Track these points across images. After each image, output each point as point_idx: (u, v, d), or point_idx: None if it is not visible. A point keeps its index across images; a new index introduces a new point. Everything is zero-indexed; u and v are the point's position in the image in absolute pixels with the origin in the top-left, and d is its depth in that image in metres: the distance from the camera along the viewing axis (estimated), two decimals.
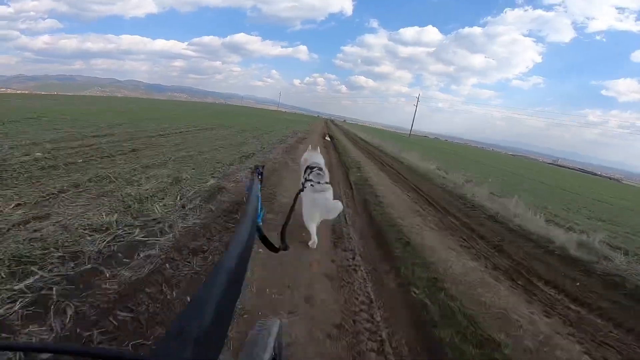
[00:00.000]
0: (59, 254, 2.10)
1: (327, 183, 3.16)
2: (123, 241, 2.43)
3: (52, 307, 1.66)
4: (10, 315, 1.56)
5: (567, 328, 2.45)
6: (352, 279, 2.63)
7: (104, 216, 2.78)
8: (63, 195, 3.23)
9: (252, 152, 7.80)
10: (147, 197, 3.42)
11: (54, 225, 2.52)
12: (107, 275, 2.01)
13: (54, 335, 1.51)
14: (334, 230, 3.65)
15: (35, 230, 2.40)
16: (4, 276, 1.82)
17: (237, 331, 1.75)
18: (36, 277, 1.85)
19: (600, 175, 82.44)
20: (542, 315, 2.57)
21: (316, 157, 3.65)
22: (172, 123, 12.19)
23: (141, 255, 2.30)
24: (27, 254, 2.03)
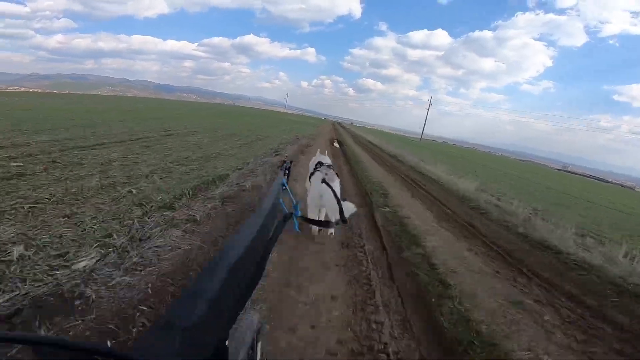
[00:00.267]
0: None
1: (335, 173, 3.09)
2: None
3: None
4: None
5: None
6: None
7: None
8: None
9: (220, 174, 5.16)
10: None
11: None
12: None
13: None
14: None
15: None
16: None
17: None
18: None
19: (611, 182, 78.71)
20: None
21: (324, 160, 3.59)
22: (150, 124, 9.95)
23: None
24: None
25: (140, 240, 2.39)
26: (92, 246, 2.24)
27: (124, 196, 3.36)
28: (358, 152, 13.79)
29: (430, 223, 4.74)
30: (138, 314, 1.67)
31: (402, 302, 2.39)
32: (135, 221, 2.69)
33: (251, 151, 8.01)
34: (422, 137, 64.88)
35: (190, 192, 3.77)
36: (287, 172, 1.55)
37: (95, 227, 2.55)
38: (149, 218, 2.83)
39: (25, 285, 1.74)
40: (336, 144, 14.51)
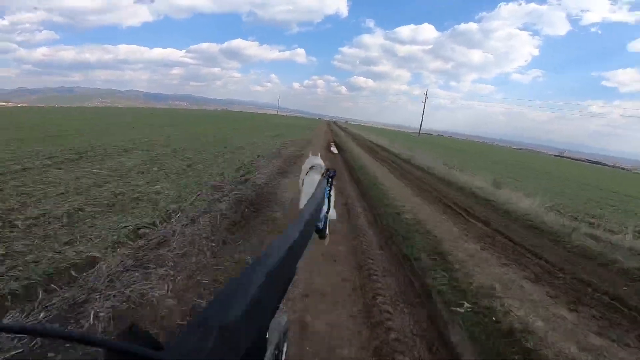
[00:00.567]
0: None
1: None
2: None
3: None
4: None
5: None
6: None
7: None
8: None
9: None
10: None
11: None
12: None
13: None
14: None
15: None
16: None
17: None
18: None
19: (609, 166, 77.34)
20: None
21: (317, 161, 3.51)
22: (62, 141, 7.18)
23: None
24: None
25: None
26: None
27: None
28: (363, 159, 10.95)
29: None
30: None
31: None
32: None
33: (201, 177, 5.08)
34: (415, 131, 62.77)
35: None
36: (330, 181, 1.52)
37: None
38: None
39: None
40: (334, 149, 11.84)
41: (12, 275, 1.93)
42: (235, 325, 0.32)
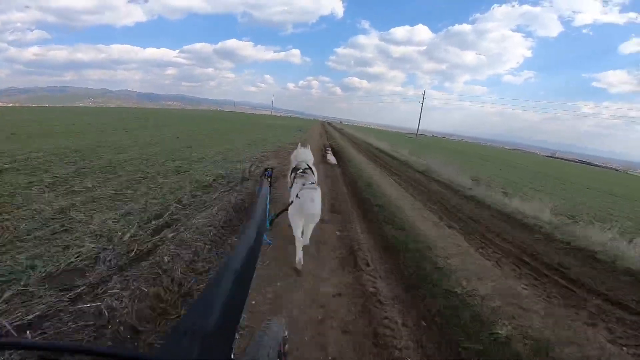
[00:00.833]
0: None
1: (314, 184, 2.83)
2: None
3: None
4: None
5: None
6: None
7: None
8: None
9: None
10: None
11: None
12: None
13: None
14: None
15: None
16: None
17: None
18: None
19: (601, 166, 77.02)
20: None
21: (305, 155, 3.32)
22: None
23: None
24: None
25: None
26: None
27: None
28: (367, 169, 8.63)
29: None
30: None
31: None
32: None
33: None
34: (413, 132, 61.07)
35: None
36: (269, 179, 1.61)
37: None
38: None
39: None
40: (331, 158, 9.35)
41: None
42: (216, 332, 0.33)
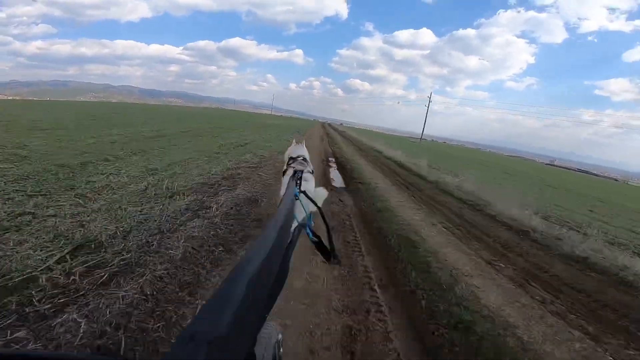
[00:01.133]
0: None
1: (310, 172, 2.72)
2: None
3: None
4: None
5: None
6: None
7: None
8: None
9: None
10: None
11: None
12: None
13: None
14: None
15: None
16: None
17: None
18: None
19: (599, 176, 76.49)
20: None
21: (300, 151, 3.13)
22: None
23: None
24: None
25: None
26: None
27: None
28: (416, 221, 4.60)
29: None
30: None
31: None
32: None
33: None
34: (413, 136, 60.22)
35: None
36: (299, 181, 1.46)
37: None
38: None
39: None
40: (335, 176, 8.11)
41: None
42: (224, 338, 0.32)
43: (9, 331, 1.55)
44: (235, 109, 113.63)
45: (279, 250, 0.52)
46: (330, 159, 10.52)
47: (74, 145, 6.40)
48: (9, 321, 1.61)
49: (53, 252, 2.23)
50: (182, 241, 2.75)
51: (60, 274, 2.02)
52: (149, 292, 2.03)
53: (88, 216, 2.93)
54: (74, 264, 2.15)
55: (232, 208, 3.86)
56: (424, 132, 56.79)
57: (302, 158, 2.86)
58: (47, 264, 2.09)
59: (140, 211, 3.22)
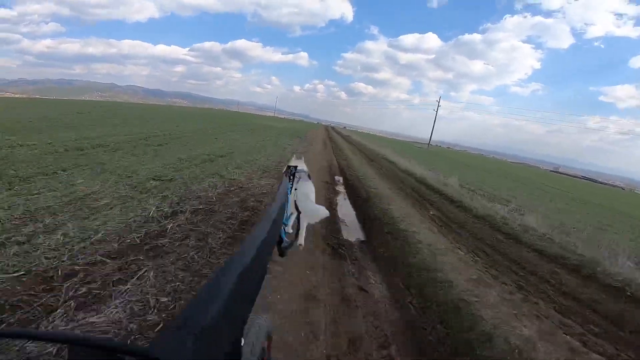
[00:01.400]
0: None
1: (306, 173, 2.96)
2: None
3: None
4: None
5: None
6: None
7: None
8: None
9: None
10: None
11: None
12: None
13: None
14: None
15: None
16: None
17: None
18: None
19: (605, 184, 73.39)
20: None
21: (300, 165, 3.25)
22: None
23: None
24: None
25: None
26: None
27: None
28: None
29: None
30: None
31: None
32: None
33: None
34: (417, 140, 57.69)
35: None
36: (292, 177, 1.59)
37: None
38: None
39: None
40: (344, 206, 6.06)
41: None
42: (213, 327, 0.32)
43: None
44: (239, 111, 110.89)
45: (270, 244, 0.53)
46: (337, 178, 8.01)
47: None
48: None
49: None
50: None
51: None
52: None
53: None
54: None
55: None
56: (425, 137, 54.21)
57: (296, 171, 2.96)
58: None
59: None
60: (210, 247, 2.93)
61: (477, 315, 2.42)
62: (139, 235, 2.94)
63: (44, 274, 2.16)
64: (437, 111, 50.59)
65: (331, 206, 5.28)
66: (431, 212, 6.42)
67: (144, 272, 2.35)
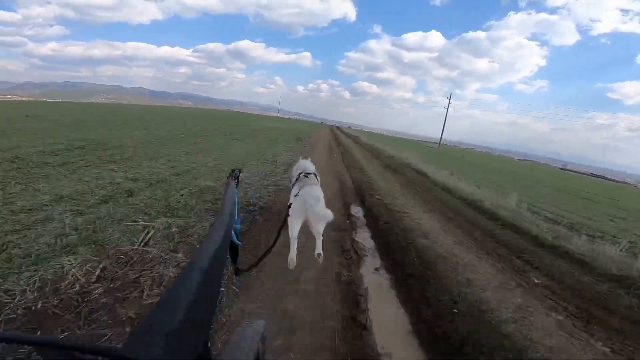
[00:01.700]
0: None
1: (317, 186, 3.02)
2: None
3: None
4: None
5: None
6: None
7: None
8: None
9: None
10: None
11: None
12: None
13: None
14: None
15: None
16: None
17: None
18: None
19: (616, 181, 69.65)
20: None
21: (307, 166, 3.40)
22: None
23: None
24: None
25: None
26: None
27: None
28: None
29: None
30: None
31: None
32: None
33: None
34: (424, 140, 54.63)
35: None
36: (236, 180, 1.40)
37: None
38: None
39: None
40: (369, 276, 2.80)
41: None
42: (180, 328, 0.33)
43: None
44: (242, 111, 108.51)
45: (223, 248, 0.53)
46: (354, 210, 5.00)
47: None
48: None
49: None
50: None
51: None
52: None
53: None
54: None
55: None
56: (429, 135, 51.42)
57: (304, 175, 3.17)
58: None
59: None
60: None
61: None
62: None
63: None
64: (447, 109, 47.50)
65: (357, 306, 2.34)
66: (536, 281, 3.45)
67: None
